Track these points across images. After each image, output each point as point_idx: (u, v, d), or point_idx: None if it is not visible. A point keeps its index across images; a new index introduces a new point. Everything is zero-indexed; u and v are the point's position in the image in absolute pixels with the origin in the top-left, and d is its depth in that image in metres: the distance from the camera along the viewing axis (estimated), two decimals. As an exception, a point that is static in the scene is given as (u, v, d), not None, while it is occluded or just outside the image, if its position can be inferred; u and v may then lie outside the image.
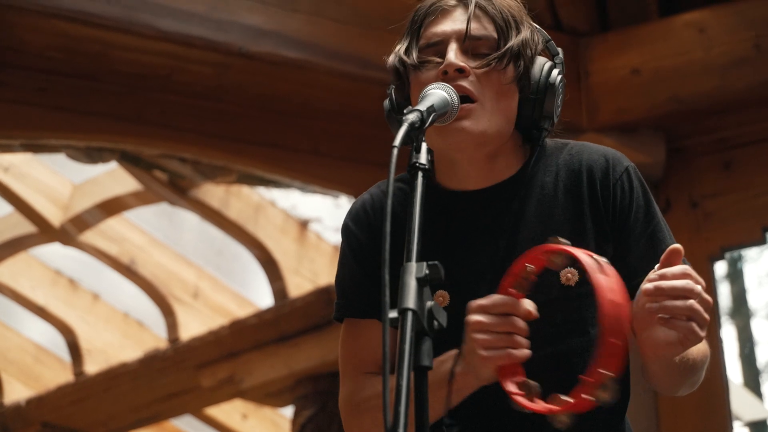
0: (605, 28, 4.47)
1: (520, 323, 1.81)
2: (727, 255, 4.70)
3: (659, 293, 1.75)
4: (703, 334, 1.77)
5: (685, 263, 1.82)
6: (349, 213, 2.11)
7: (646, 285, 1.77)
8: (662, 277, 1.76)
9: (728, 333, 11.89)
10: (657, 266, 1.80)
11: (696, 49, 4.27)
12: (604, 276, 1.75)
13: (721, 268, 11.32)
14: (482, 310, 1.82)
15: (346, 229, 2.10)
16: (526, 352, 1.82)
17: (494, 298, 1.83)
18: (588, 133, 4.25)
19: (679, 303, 1.75)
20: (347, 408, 2.04)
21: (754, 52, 4.21)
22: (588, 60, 4.37)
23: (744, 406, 8.32)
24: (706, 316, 1.77)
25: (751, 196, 4.39)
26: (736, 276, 12.39)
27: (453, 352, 1.87)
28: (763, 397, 11.38)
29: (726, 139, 4.44)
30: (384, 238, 1.57)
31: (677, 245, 1.80)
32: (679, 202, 4.41)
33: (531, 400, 1.82)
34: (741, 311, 12.20)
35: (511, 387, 1.83)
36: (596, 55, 4.38)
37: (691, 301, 1.75)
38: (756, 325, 12.91)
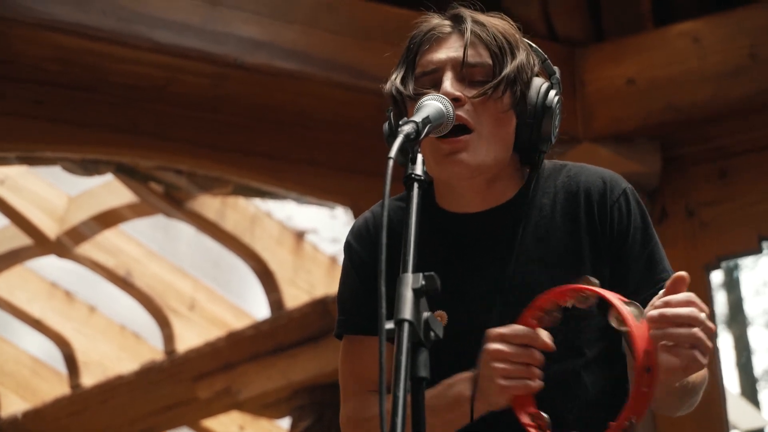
0: (600, 38, 4.47)
1: (538, 355, 1.83)
2: (723, 264, 4.70)
3: (663, 320, 1.74)
4: (705, 361, 1.77)
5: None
6: (351, 230, 2.11)
7: (651, 312, 1.76)
8: (667, 305, 1.76)
9: (725, 342, 11.90)
10: (662, 292, 1.79)
11: (691, 59, 4.28)
12: (637, 324, 1.75)
13: (717, 276, 11.32)
14: (502, 339, 1.83)
15: (348, 247, 2.10)
16: (540, 384, 1.83)
17: (515, 328, 1.84)
18: (583, 142, 4.25)
19: (683, 331, 1.74)
20: (349, 427, 2.05)
21: (750, 61, 4.21)
22: (583, 70, 4.37)
23: (741, 415, 8.30)
24: (710, 344, 1.76)
25: (747, 205, 4.39)
26: (732, 285, 12.40)
27: (463, 376, 1.88)
28: (760, 406, 11.37)
29: (722, 147, 4.43)
30: (380, 249, 1.56)
31: (683, 273, 1.79)
32: (675, 211, 4.40)
33: None
34: (737, 320, 12.20)
35: (524, 419, 1.85)
36: (591, 64, 4.38)
37: (695, 329, 1.74)
38: (753, 334, 12.91)
